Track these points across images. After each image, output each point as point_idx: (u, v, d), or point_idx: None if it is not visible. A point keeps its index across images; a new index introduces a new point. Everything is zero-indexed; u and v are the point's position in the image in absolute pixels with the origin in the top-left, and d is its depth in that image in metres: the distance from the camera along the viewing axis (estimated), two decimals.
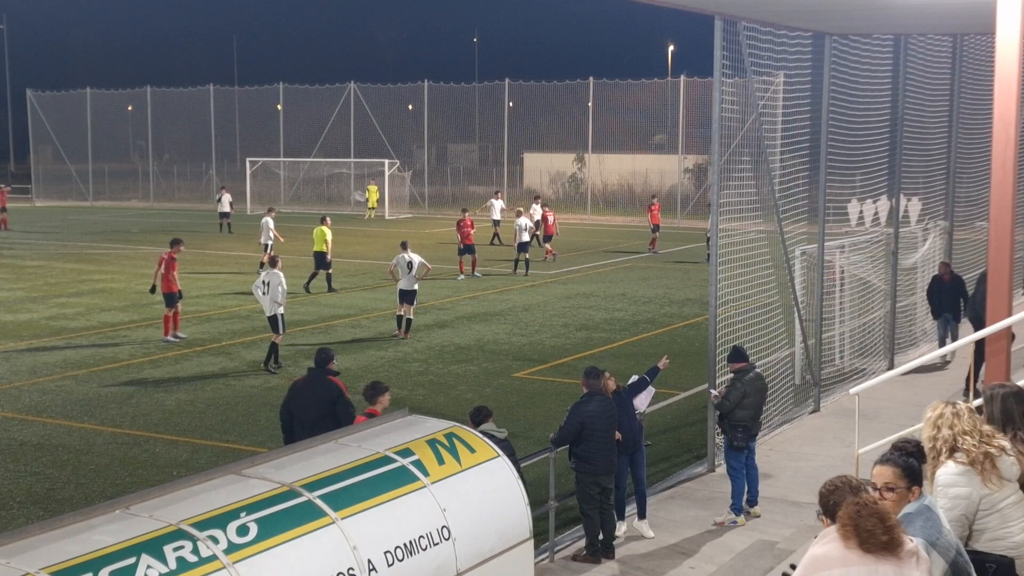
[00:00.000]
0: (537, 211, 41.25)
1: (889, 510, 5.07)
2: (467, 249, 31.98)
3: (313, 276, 29.20)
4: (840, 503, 5.19)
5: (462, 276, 31.62)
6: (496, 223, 42.35)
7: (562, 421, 10.99)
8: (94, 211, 61.89)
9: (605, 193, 58.63)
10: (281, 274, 19.69)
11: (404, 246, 23.63)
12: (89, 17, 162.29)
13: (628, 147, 59.46)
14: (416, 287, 22.98)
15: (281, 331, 19.70)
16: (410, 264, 22.85)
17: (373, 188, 56.04)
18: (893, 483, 5.63)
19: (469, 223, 32.18)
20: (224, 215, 47.10)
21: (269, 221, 33.05)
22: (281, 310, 19.54)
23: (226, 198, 47.42)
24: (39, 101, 70.75)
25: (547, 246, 37.58)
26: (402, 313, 22.77)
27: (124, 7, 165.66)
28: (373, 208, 54.87)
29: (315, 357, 12.01)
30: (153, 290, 22.52)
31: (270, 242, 32.56)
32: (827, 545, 5.05)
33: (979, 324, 19.02)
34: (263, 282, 19.67)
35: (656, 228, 39.91)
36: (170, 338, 22.07)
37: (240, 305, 26.80)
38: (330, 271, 29.29)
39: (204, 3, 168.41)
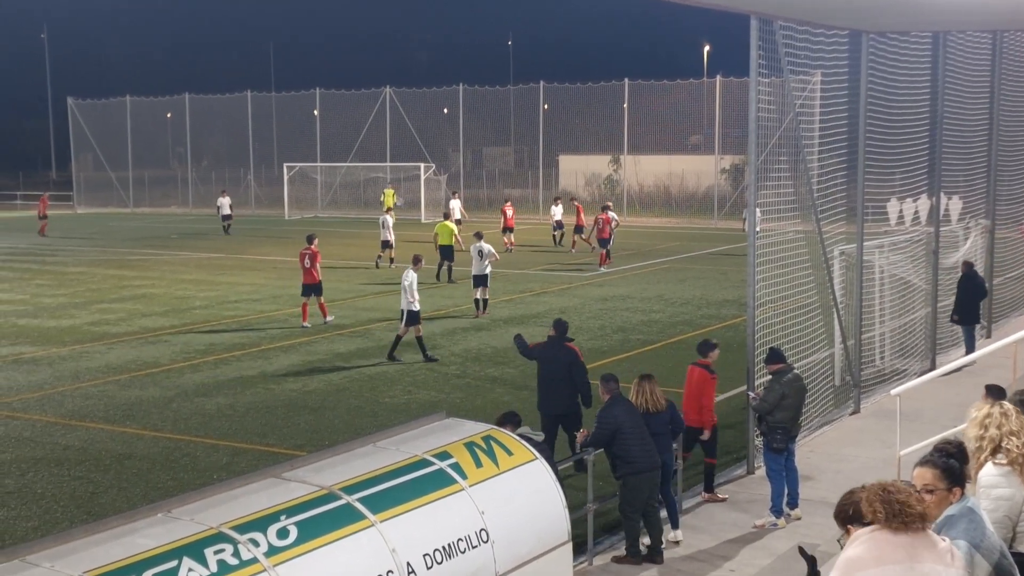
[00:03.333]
0: (557, 212, 41.92)
1: (904, 488, 5.06)
2: (602, 243, 34.84)
3: (441, 266, 31.46)
4: (858, 504, 5.15)
5: (603, 268, 34.15)
6: (457, 222, 43.06)
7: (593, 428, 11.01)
8: (134, 217, 62.53)
9: (641, 195, 58.44)
10: (413, 272, 21.01)
11: (478, 236, 26.95)
12: (128, 26, 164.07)
13: (664, 148, 59.18)
14: (487, 271, 25.72)
15: (403, 324, 20.75)
16: (480, 252, 25.78)
17: (390, 192, 56.23)
18: (933, 485, 5.58)
19: (608, 219, 35.03)
20: (226, 217, 49.60)
21: (388, 219, 35.41)
22: (415, 306, 20.68)
23: (225, 201, 50.04)
24: (80, 109, 71.59)
25: (511, 237, 40.53)
26: (478, 296, 25.67)
27: (162, 16, 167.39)
28: (391, 210, 55.01)
29: (554, 326, 14.00)
30: (447, 269, 27.84)
31: (390, 238, 34.93)
32: (860, 546, 5.02)
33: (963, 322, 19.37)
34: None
35: (579, 229, 40.28)
36: (329, 319, 24.65)
37: (278, 309, 26.97)
38: (452, 263, 31.33)
39: (241, 11, 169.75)
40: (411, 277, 20.76)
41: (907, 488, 5.02)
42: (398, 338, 20.82)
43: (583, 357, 14.01)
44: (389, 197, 55.69)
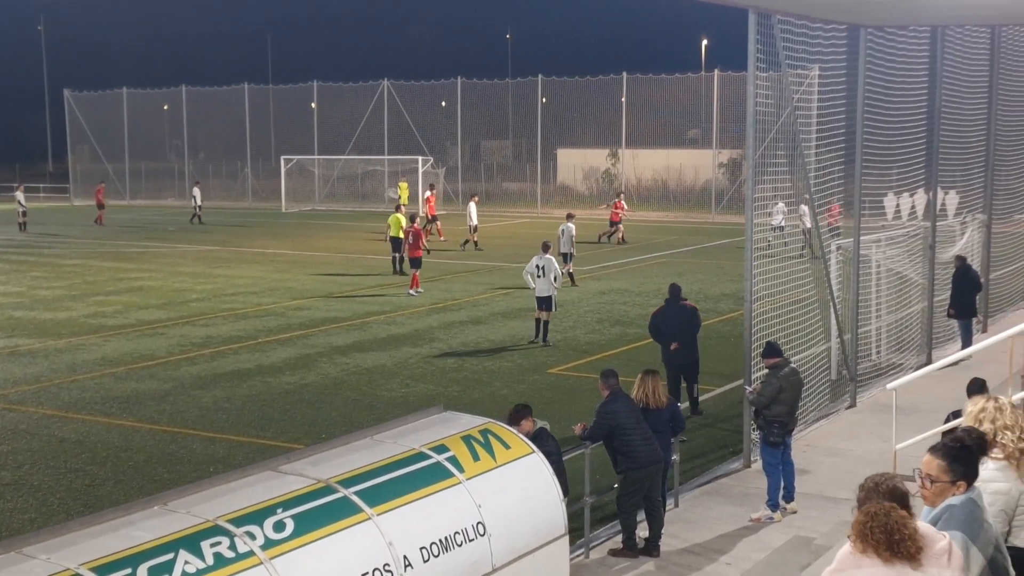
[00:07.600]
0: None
1: (904, 520, 4.91)
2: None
3: (398, 260, 31.94)
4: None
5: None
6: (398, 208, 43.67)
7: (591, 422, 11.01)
8: (131, 210, 62.43)
9: (639, 189, 58.41)
10: (554, 259, 21.89)
11: (569, 217, 31.57)
12: (125, 18, 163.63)
13: (662, 142, 59.15)
14: (573, 251, 30.04)
15: (553, 309, 21.69)
16: (563, 231, 29.91)
17: (404, 185, 56.14)
18: (936, 476, 5.56)
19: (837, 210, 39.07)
20: (198, 207, 51.55)
21: (472, 207, 38.72)
22: (555, 292, 21.68)
23: (197, 191, 52.09)
24: (76, 101, 71.44)
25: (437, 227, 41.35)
26: (567, 269, 28.48)
27: (159, 7, 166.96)
28: (405, 205, 54.94)
29: (669, 290, 16.32)
30: (401, 260, 30.01)
31: (473, 223, 38.15)
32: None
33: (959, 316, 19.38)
34: (537, 266, 21.58)
35: (433, 219, 41.40)
36: (412, 292, 27.50)
37: (276, 302, 26.96)
38: (400, 255, 31.72)
39: (238, 2, 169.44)
40: (554, 264, 21.51)
41: (890, 524, 4.85)
42: (544, 323, 21.51)
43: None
44: (404, 191, 55.68)
